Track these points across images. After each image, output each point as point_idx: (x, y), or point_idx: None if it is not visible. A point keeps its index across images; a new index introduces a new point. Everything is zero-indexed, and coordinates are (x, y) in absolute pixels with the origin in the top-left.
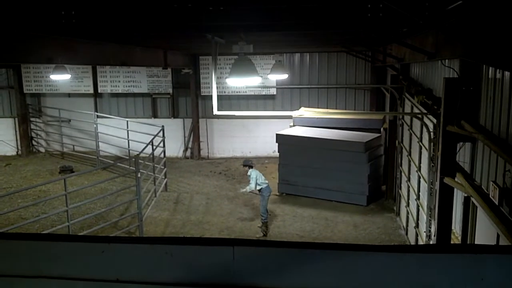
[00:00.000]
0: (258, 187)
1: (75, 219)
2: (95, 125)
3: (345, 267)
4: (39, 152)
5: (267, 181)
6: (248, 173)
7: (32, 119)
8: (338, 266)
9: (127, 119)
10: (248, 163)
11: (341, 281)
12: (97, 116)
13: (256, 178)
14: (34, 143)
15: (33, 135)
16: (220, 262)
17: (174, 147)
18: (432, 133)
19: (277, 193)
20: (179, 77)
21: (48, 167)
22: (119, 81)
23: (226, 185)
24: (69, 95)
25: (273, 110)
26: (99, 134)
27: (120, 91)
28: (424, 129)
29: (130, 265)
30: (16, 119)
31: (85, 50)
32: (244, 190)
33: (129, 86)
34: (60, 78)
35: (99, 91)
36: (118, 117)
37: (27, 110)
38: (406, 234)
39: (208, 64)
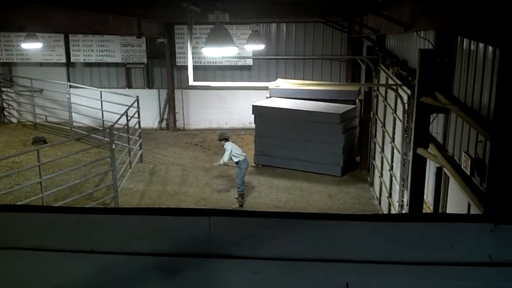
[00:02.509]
0: (236, 159)
1: (49, 190)
2: (68, 95)
3: (320, 235)
4: (11, 123)
5: (244, 154)
6: (224, 146)
7: (3, 89)
8: (314, 235)
9: (100, 89)
10: (223, 136)
11: (316, 249)
12: (70, 86)
13: (231, 151)
14: (5, 113)
15: (5, 105)
16: (196, 233)
17: (149, 118)
18: (406, 104)
19: (253, 164)
20: (153, 46)
21: (21, 138)
22: (92, 50)
23: (202, 156)
24: (41, 64)
25: (250, 81)
26: (72, 104)
27: (93, 61)
28: (399, 100)
29: (106, 236)
30: None
31: (57, 18)
32: (218, 163)
33: (102, 56)
34: (32, 47)
35: (71, 60)
36: (91, 87)
37: None
38: (379, 204)
39: (184, 33)
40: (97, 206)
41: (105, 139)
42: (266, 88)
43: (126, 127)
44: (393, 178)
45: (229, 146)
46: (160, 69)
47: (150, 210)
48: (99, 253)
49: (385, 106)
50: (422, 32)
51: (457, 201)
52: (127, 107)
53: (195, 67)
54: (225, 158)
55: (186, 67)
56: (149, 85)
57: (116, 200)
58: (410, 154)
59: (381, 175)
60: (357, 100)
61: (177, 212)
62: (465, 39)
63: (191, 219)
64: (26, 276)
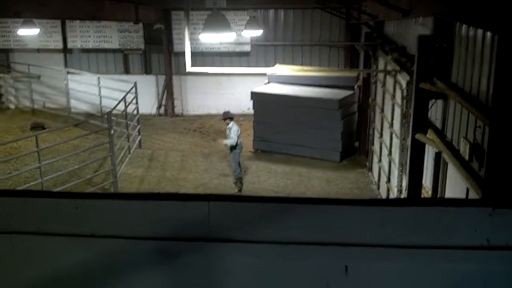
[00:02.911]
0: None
1: (48, 175)
2: (65, 81)
3: (319, 220)
4: (9, 109)
5: (241, 138)
6: (230, 125)
7: (0, 75)
8: (313, 219)
9: (98, 75)
10: (228, 115)
11: (315, 233)
12: (68, 72)
13: (237, 132)
14: (3, 99)
15: (2, 91)
16: (195, 217)
17: (148, 104)
18: (405, 90)
19: (252, 150)
20: (151, 32)
21: (19, 124)
22: (89, 36)
23: (201, 142)
24: (38, 50)
25: (248, 67)
26: (70, 90)
27: (90, 47)
28: (397, 86)
29: (105, 220)
30: None
31: (54, 4)
32: (226, 142)
33: (99, 42)
34: (29, 33)
35: (68, 46)
36: (89, 73)
37: None
38: (378, 189)
39: (181, 19)
40: (96, 191)
41: (104, 125)
42: (264, 74)
43: (124, 113)
44: (392, 163)
45: (235, 127)
46: (158, 55)
47: (150, 195)
48: (98, 237)
49: (384, 92)
50: (420, 18)
51: (455, 186)
52: (125, 93)
53: (192, 53)
54: (234, 141)
55: (183, 53)
56: (147, 71)
57: (115, 185)
58: (409, 139)
59: (380, 161)
60: (355, 86)
61: (176, 197)
62: (463, 25)
63: (190, 204)
64: (26, 260)
